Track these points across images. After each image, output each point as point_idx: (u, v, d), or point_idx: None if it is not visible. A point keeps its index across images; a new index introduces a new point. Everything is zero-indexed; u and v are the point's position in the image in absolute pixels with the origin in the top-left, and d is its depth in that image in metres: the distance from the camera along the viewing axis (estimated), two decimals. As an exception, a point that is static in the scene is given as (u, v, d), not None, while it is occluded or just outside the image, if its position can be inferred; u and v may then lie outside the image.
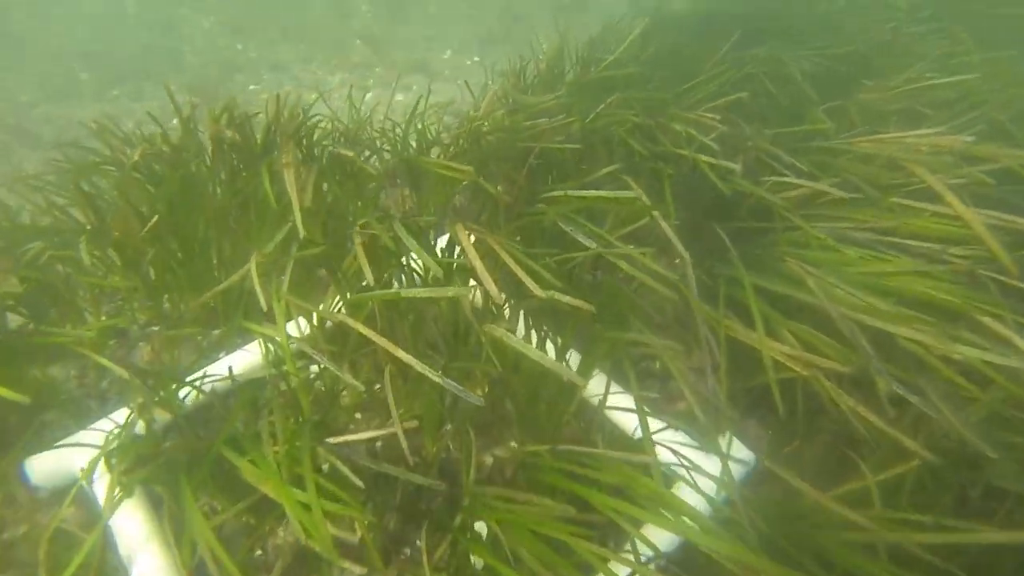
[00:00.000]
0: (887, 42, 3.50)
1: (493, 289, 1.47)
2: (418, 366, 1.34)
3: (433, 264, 1.59)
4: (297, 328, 1.89)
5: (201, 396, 1.63)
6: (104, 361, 1.47)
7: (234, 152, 2.19)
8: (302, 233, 1.68)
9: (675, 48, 3.71)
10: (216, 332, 2.05)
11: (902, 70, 3.07)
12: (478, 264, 1.51)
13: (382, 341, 1.38)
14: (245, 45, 6.19)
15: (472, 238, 1.70)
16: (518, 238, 2.02)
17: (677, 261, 2.40)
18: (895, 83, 2.89)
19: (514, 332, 1.88)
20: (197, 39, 6.48)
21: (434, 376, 1.33)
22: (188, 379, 1.54)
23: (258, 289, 1.60)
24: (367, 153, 2.75)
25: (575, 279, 1.91)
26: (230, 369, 1.63)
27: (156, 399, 1.33)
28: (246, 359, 1.83)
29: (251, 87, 5.21)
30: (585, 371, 1.67)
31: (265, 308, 1.58)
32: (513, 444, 1.83)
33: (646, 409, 1.41)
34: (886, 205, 1.82)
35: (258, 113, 2.42)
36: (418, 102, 2.94)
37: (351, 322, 1.46)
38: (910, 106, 2.54)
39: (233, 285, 1.74)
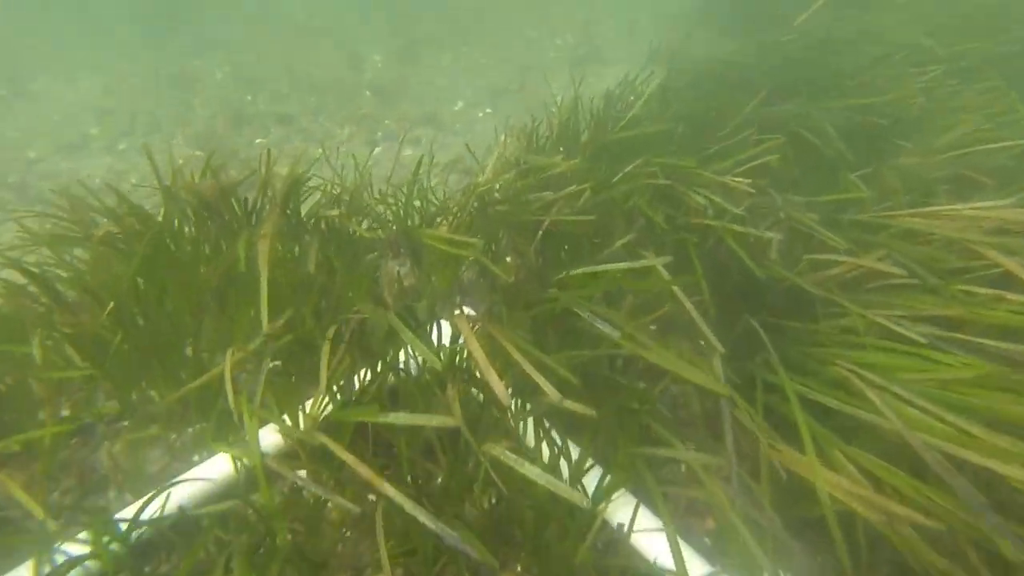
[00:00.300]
0: (925, 95, 3.36)
1: (501, 391, 1.28)
2: (408, 506, 1.14)
3: (433, 358, 1.41)
4: (281, 427, 1.70)
5: (159, 520, 1.43)
6: (20, 495, 1.28)
7: (218, 220, 2.06)
8: (265, 326, 1.51)
9: (696, 104, 3.60)
10: (191, 430, 1.87)
11: (944, 130, 2.91)
12: (483, 362, 1.33)
13: (365, 471, 1.19)
14: (255, 97, 6.25)
15: (476, 327, 1.52)
16: (529, 324, 1.84)
17: (703, 342, 2.20)
18: (939, 144, 2.72)
19: (523, 441, 1.68)
20: (208, 91, 6.57)
21: (426, 520, 1.13)
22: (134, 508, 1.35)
23: (229, 396, 1.42)
24: (367, 221, 2.62)
25: (592, 375, 1.72)
26: (207, 477, 1.44)
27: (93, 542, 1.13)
28: (216, 471, 1.63)
29: (257, 140, 5.19)
30: (608, 492, 1.45)
31: (237, 419, 1.40)
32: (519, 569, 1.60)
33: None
34: (949, 293, 1.62)
35: (252, 174, 2.29)
36: (420, 160, 2.82)
37: (331, 444, 1.27)
38: (959, 173, 2.36)
39: (213, 376, 1.57)
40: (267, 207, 2.09)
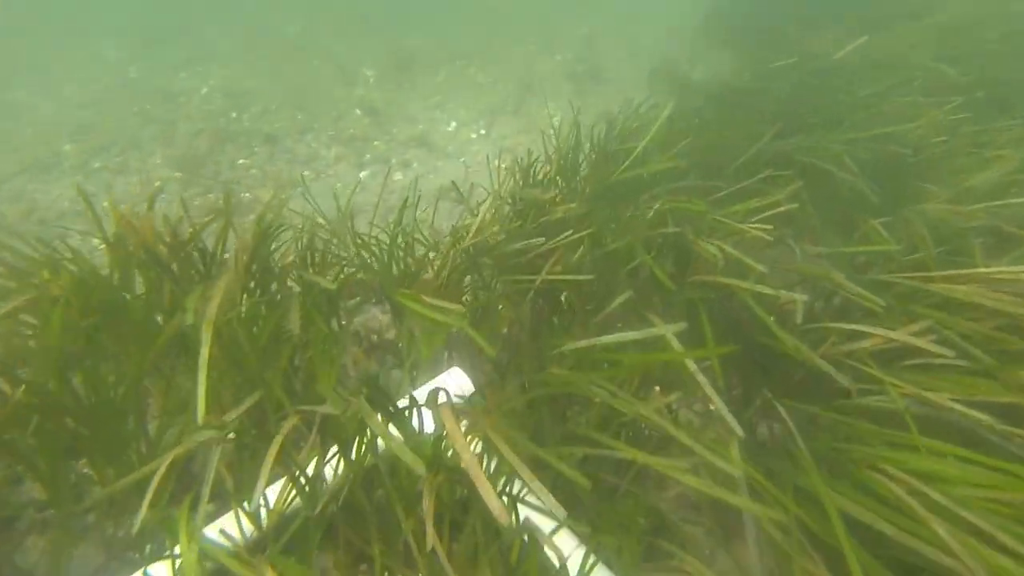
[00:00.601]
0: (946, 129, 3.20)
1: (495, 504, 1.08)
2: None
3: (413, 461, 1.21)
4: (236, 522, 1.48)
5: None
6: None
7: (173, 275, 1.85)
8: (201, 417, 1.30)
9: (704, 136, 3.42)
10: (135, 520, 1.64)
11: (973, 169, 2.75)
12: (476, 473, 1.12)
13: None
14: (240, 114, 6.06)
15: (464, 422, 1.31)
16: (526, 405, 1.62)
17: (712, 407, 1.99)
18: (968, 185, 2.55)
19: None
20: (192, 105, 6.38)
21: None
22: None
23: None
24: (347, 266, 2.41)
25: (595, 471, 1.51)
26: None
27: None
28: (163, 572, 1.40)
29: (240, 161, 4.99)
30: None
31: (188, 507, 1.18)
32: None
33: None
34: (1010, 378, 1.42)
35: (210, 220, 2.08)
36: (405, 201, 2.62)
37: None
38: (993, 224, 2.18)
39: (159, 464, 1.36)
40: (230, 258, 1.88)
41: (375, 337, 2.57)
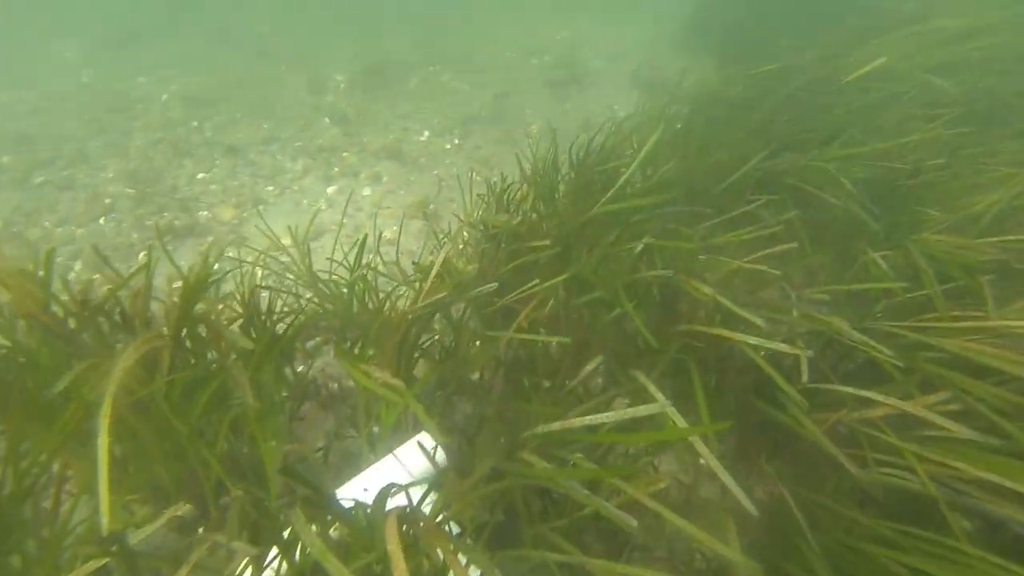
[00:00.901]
0: (943, 145, 3.05)
1: None
2: None
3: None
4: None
5: None
6: None
7: (79, 344, 1.58)
8: (105, 526, 1.05)
9: (692, 158, 3.23)
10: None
11: (971, 192, 2.60)
12: None
13: None
14: (202, 123, 5.74)
15: (410, 531, 1.10)
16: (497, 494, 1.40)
17: (701, 461, 1.80)
18: (970, 211, 2.39)
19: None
20: (150, 114, 6.03)
21: None
22: None
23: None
24: (304, 308, 2.16)
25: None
26: None
27: None
28: None
29: (199, 175, 4.69)
30: None
31: None
32: None
33: None
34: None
35: (134, 274, 1.82)
36: (364, 240, 2.39)
37: None
38: (1002, 259, 2.02)
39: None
40: (155, 318, 1.63)
41: (335, 385, 2.33)
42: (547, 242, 2.05)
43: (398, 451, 1.61)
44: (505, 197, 2.64)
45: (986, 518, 1.27)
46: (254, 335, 1.86)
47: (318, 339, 2.47)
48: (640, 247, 1.99)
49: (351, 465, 1.91)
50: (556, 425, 1.27)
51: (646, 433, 1.25)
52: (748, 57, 5.44)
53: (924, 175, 2.74)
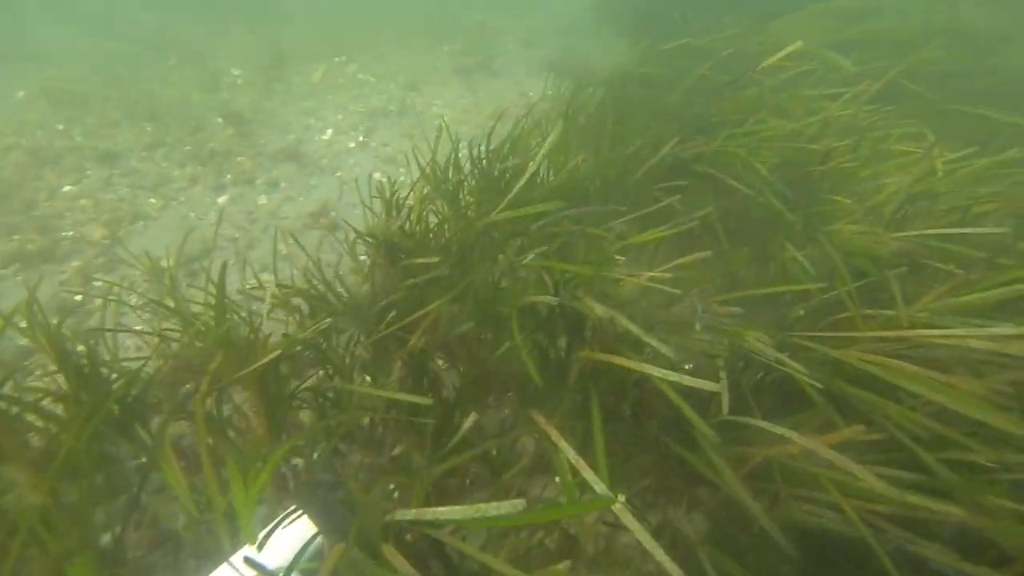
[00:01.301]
0: (852, 130, 3.04)
1: None
2: None
3: None
4: None
5: None
6: None
7: None
8: None
9: (600, 145, 3.06)
10: None
11: (876, 176, 2.57)
12: None
13: None
14: (70, 126, 5.06)
15: None
16: None
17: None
18: (877, 200, 2.34)
19: None
20: (4, 115, 5.27)
21: None
22: None
23: None
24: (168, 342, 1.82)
25: None
26: None
27: None
28: None
29: (65, 188, 4.11)
30: None
31: None
32: None
33: None
34: (972, 501, 1.13)
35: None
36: (223, 267, 2.06)
37: None
38: (910, 248, 1.95)
39: None
40: None
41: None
42: (436, 258, 1.81)
43: (274, 537, 1.33)
44: (395, 201, 2.36)
45: (906, 556, 1.15)
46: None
47: (188, 386, 2.13)
48: (535, 260, 1.78)
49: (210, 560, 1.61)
50: (411, 514, 1.04)
51: (530, 513, 1.04)
52: (659, 35, 5.37)
53: (834, 160, 2.69)
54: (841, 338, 1.55)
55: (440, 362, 1.94)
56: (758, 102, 3.28)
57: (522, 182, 2.08)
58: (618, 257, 2.91)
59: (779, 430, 1.26)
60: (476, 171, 2.86)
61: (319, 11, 8.86)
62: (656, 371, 1.37)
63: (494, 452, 1.82)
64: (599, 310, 1.54)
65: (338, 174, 4.28)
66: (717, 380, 1.43)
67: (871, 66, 4.05)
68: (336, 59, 6.89)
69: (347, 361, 1.89)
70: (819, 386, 1.36)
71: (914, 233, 1.90)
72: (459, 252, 2.10)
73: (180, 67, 6.74)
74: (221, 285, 1.87)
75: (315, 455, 1.69)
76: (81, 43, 7.42)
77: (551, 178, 2.80)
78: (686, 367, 1.73)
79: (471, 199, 2.85)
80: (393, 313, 1.95)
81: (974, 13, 5.67)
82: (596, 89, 4.72)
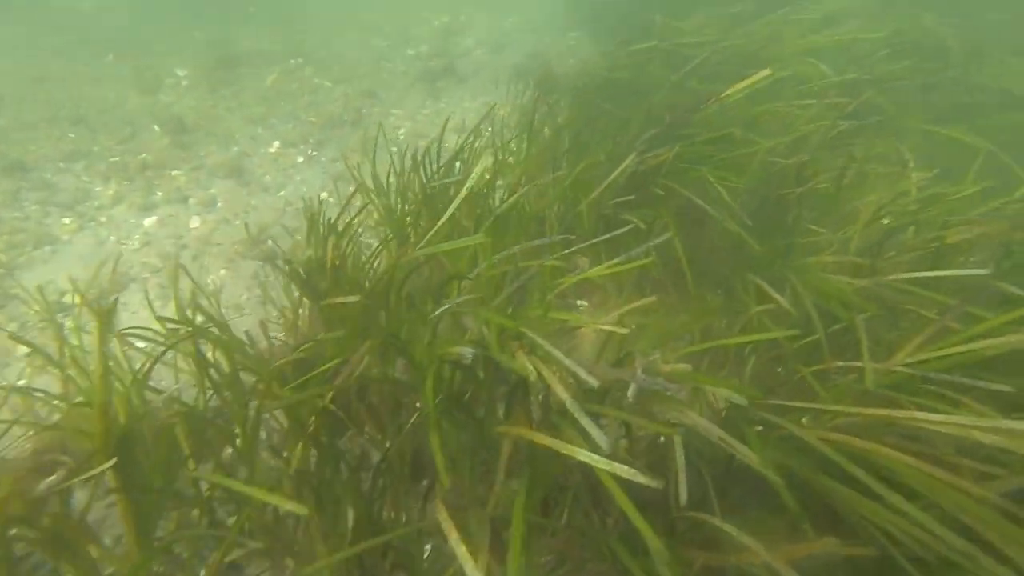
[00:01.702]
0: (818, 145, 2.89)
1: None
2: None
3: None
4: None
5: None
6: None
7: None
8: None
9: (562, 157, 2.82)
10: None
11: (852, 198, 2.40)
12: None
13: None
14: (-14, 135, 4.61)
15: None
16: None
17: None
18: (850, 231, 2.15)
19: None
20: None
21: None
22: None
23: None
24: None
25: None
26: None
27: None
28: None
29: (-32, 206, 3.69)
30: None
31: None
32: None
33: None
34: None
35: None
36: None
37: None
38: (892, 298, 1.75)
39: None
40: None
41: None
42: (355, 297, 1.55)
43: None
44: (326, 227, 2.09)
45: None
46: None
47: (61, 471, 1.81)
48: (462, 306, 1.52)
49: None
50: None
51: None
52: (634, 37, 5.20)
53: (808, 180, 2.52)
54: (814, 409, 1.34)
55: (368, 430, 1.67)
56: (730, 117, 3.13)
57: (451, 210, 1.82)
58: (580, 302, 2.68)
59: (740, 536, 1.03)
60: (421, 195, 2.60)
61: (279, 9, 8.40)
62: (586, 456, 1.14)
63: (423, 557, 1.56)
64: (525, 363, 1.29)
65: (282, 193, 3.95)
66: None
67: (846, 76, 3.96)
68: (292, 61, 6.50)
69: (250, 435, 1.60)
70: (778, 480, 1.14)
71: (891, 278, 1.70)
72: (381, 292, 1.84)
73: (118, 65, 6.27)
74: (102, 339, 1.56)
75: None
76: (3, 31, 6.86)
77: (503, 204, 2.54)
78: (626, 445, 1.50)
79: (411, 227, 2.59)
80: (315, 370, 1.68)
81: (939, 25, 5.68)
82: (562, 98, 4.50)
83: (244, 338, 1.91)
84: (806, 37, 5.27)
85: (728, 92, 2.40)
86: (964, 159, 3.67)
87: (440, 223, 1.87)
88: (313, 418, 1.62)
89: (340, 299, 1.79)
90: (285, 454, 1.63)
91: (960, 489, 1.14)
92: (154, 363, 1.66)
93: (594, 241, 2.05)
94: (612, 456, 1.16)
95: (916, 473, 1.18)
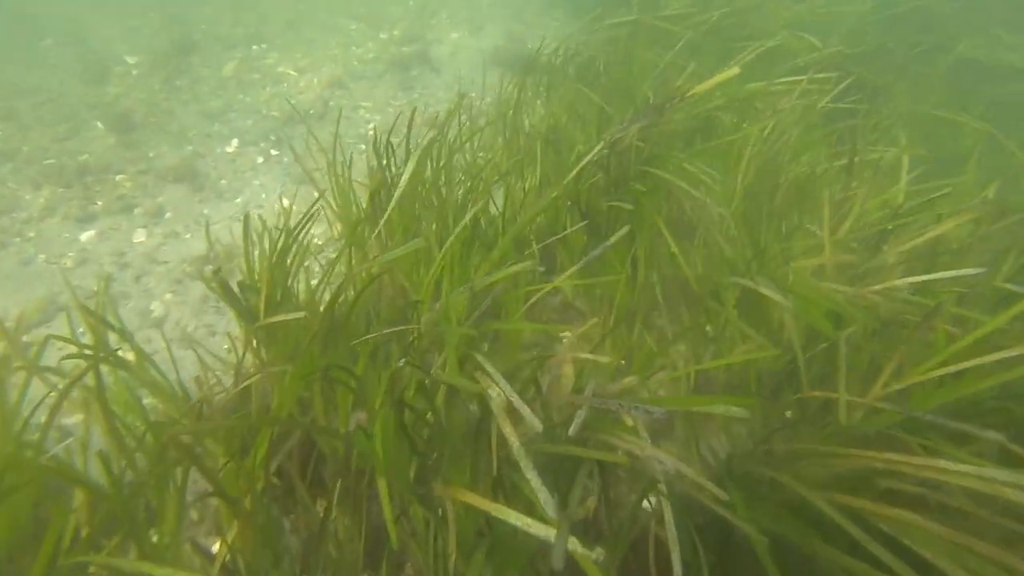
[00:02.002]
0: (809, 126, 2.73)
1: None
2: None
3: None
4: None
5: None
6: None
7: None
8: None
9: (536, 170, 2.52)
10: None
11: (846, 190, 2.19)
12: None
13: None
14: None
15: None
16: None
17: None
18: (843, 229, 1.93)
19: None
20: None
21: None
22: None
23: None
24: None
25: None
26: None
27: None
28: None
29: None
30: None
31: None
32: None
33: None
34: None
35: None
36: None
37: None
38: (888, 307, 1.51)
39: None
40: None
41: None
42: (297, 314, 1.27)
43: None
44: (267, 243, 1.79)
45: None
46: None
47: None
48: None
49: None
50: None
51: None
52: (616, 14, 4.93)
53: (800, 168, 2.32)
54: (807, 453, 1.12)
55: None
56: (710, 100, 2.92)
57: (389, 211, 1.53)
58: (563, 334, 2.39)
59: None
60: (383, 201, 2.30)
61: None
62: (519, 519, 0.91)
63: None
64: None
65: (239, 200, 3.57)
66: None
67: (832, 50, 3.81)
68: (254, 47, 6.03)
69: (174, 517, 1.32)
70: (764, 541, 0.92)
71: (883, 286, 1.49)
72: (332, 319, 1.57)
73: (59, 49, 5.74)
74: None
75: None
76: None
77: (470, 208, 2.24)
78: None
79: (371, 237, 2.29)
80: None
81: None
82: (543, 84, 4.21)
83: (186, 372, 1.60)
84: (791, 8, 5.06)
85: (696, 90, 2.14)
86: (959, 139, 3.51)
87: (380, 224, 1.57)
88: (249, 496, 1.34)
89: (272, 319, 1.53)
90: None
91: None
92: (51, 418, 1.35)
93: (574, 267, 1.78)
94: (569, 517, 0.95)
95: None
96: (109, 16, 6.71)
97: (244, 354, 1.95)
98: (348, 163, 2.68)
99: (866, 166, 2.89)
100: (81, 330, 2.56)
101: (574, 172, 2.16)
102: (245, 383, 1.76)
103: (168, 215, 3.41)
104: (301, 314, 1.80)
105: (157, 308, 2.74)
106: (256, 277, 2.10)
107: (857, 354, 1.58)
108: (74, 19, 6.50)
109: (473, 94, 5.13)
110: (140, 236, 3.23)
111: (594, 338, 2.29)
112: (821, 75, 3.24)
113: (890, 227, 2.17)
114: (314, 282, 2.93)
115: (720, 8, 4.60)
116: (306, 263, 3.00)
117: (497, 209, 2.55)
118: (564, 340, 2.39)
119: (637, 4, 5.06)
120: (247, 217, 2.13)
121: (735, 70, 2.19)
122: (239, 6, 7.20)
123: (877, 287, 1.76)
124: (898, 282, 1.74)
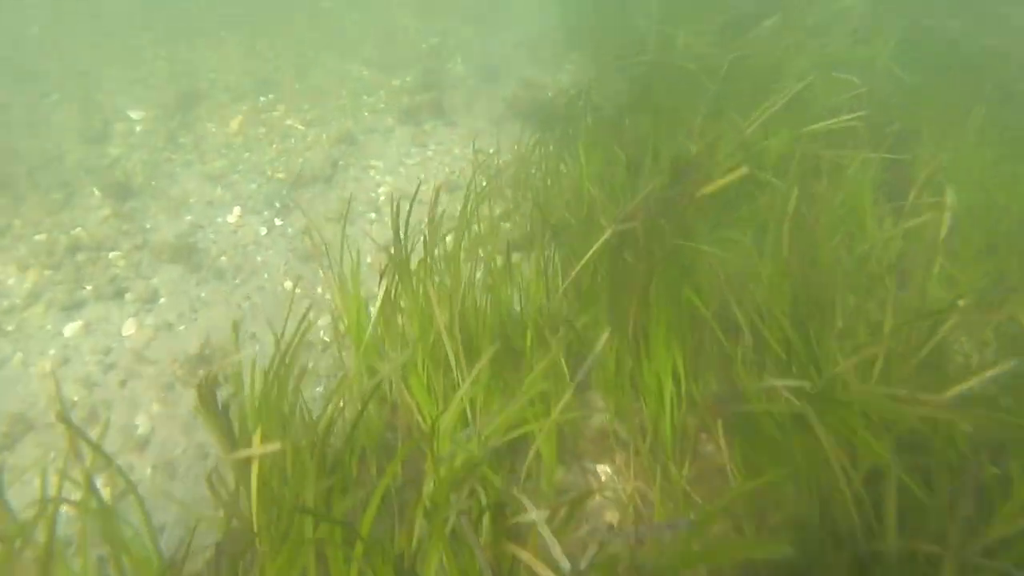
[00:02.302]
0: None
1: None
2: None
3: None
4: None
5: None
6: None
7: None
8: None
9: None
10: None
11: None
12: None
13: None
14: None
15: None
16: None
17: None
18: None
19: None
20: None
21: None
22: None
23: None
24: None
25: None
26: None
27: None
28: None
29: None
30: None
31: None
32: None
33: None
34: None
35: None
36: None
37: None
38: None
39: None
40: None
41: None
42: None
43: None
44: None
45: None
46: None
47: None
48: None
49: None
50: None
51: None
52: (633, 54, 4.71)
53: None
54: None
55: None
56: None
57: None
58: (600, 466, 2.06)
59: None
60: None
61: (249, 32, 7.71)
62: None
63: None
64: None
65: (238, 280, 3.31)
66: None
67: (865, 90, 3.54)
68: (262, 98, 5.85)
69: None
70: None
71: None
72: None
73: (63, 105, 5.60)
74: None
75: None
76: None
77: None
78: None
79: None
80: None
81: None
82: (563, 136, 3.97)
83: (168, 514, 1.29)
84: (824, 49, 4.83)
85: (710, 188, 1.85)
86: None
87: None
88: None
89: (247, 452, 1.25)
90: None
91: None
92: None
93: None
94: None
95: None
96: (118, 65, 6.60)
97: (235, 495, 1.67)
98: (356, 259, 2.39)
99: (917, 234, 2.56)
100: (52, 455, 2.27)
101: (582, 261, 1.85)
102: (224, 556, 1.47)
103: (162, 300, 3.15)
104: (277, 446, 1.54)
105: (142, 423, 2.46)
106: (248, 392, 1.82)
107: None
108: (84, 73, 6.40)
109: (492, 150, 4.87)
110: (130, 328, 2.97)
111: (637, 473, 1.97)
112: (853, 121, 2.96)
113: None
114: (319, 389, 2.63)
115: (739, 49, 4.35)
116: (310, 364, 2.70)
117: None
118: (603, 478, 2.06)
119: (653, 44, 4.85)
120: (235, 325, 1.85)
121: (743, 169, 1.94)
122: (249, 52, 7.08)
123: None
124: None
